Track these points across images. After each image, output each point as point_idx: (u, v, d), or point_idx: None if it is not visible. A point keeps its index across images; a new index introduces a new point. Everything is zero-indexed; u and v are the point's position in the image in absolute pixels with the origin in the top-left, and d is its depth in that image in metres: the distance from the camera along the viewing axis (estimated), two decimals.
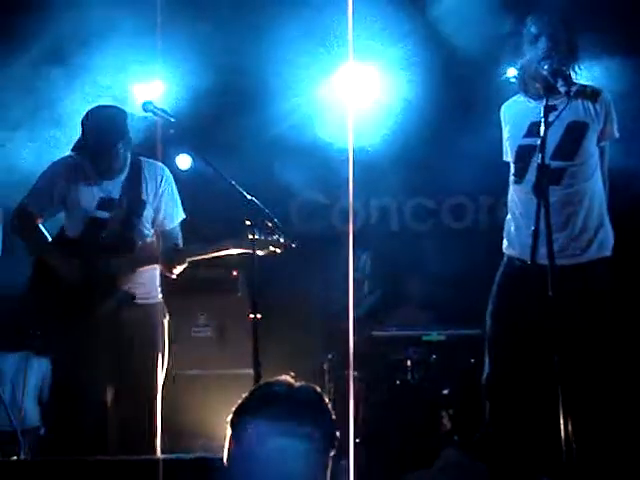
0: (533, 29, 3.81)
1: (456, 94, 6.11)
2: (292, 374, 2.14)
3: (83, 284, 4.09)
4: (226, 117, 5.98)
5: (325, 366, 5.68)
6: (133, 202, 4.16)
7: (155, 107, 3.92)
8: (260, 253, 3.86)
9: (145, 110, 3.94)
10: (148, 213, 4.21)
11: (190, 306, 5.87)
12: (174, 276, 4.22)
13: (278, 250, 3.94)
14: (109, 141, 4.06)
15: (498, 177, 4.78)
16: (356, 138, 5.06)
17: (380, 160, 5.99)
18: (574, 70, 3.78)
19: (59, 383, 4.33)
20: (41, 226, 4.23)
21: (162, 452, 4.23)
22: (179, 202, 4.32)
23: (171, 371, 4.46)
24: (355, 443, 4.75)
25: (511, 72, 6.37)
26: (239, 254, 4.06)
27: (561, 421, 3.09)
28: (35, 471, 3.51)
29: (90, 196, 4.14)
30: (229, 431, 2.10)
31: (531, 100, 3.84)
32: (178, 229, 4.32)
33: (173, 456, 4.08)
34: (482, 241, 6.02)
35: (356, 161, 4.81)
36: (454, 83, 6.02)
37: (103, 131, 4.07)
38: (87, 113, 4.13)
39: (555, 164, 3.56)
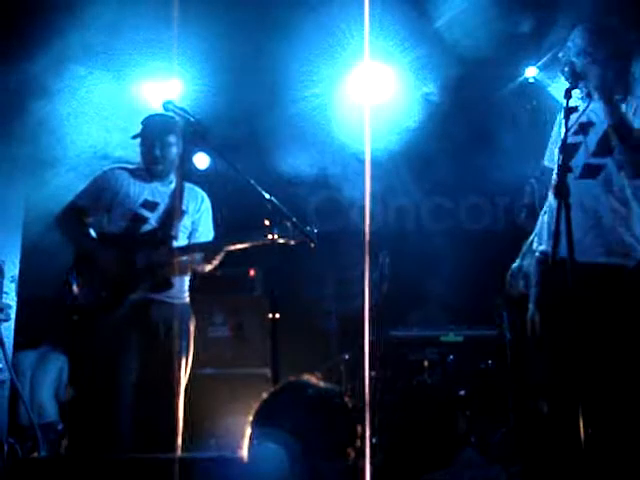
0: (580, 42, 3.71)
1: (473, 94, 6.10)
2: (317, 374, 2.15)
3: (119, 275, 4.19)
4: (244, 116, 5.98)
5: (341, 366, 5.68)
6: (174, 209, 4.34)
7: (175, 106, 3.94)
8: (282, 241, 3.91)
9: (166, 109, 3.97)
10: (186, 223, 4.40)
11: (207, 305, 5.89)
12: (209, 268, 4.37)
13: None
14: (161, 130, 4.30)
15: (514, 178, 4.79)
16: (373, 137, 5.05)
17: (397, 160, 5.99)
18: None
19: (86, 375, 4.34)
20: (86, 224, 4.37)
21: (180, 450, 4.25)
22: (212, 225, 4.53)
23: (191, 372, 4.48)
24: (372, 444, 4.74)
25: (530, 72, 6.40)
26: (259, 248, 4.10)
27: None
28: (53, 468, 3.52)
29: (135, 196, 4.34)
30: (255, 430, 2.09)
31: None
32: None
33: (189, 455, 4.10)
34: (500, 241, 6.01)
35: (373, 160, 4.81)
36: (471, 83, 6.00)
37: (157, 122, 4.33)
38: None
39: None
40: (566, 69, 3.56)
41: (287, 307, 4.13)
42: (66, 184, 4.89)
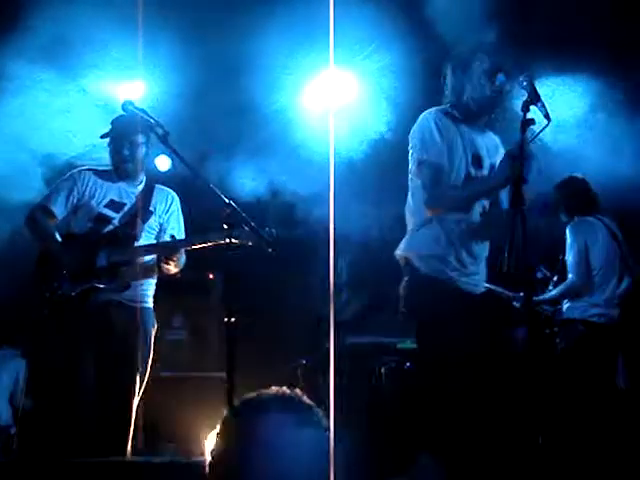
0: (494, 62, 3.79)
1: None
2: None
3: (79, 275, 4.17)
4: (206, 119, 5.95)
5: (298, 371, 5.67)
6: (140, 209, 4.34)
7: (135, 107, 3.92)
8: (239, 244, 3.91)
9: (125, 110, 3.94)
10: (153, 223, 4.40)
11: (165, 308, 5.83)
12: (174, 270, 4.34)
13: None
14: (129, 129, 4.26)
15: None
16: (337, 144, 5.07)
17: (361, 166, 6.00)
18: None
19: (46, 374, 4.31)
20: (53, 225, 4.35)
21: (133, 453, 4.23)
22: (182, 225, 4.52)
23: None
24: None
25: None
26: (218, 251, 4.08)
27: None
28: (5, 472, 3.48)
29: (101, 196, 4.33)
30: (226, 428, 2.06)
31: None
32: None
33: (145, 459, 4.08)
34: None
35: (337, 167, 4.81)
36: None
37: (125, 122, 4.28)
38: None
39: None
40: (525, 83, 3.60)
41: (245, 311, 4.12)
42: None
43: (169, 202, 4.49)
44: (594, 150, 5.50)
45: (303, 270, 5.84)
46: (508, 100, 3.95)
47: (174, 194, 4.55)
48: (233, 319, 3.66)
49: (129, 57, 5.58)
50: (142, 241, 4.33)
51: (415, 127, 3.88)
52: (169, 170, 6.06)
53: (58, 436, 4.02)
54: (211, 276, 5.93)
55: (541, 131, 3.52)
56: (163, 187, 4.54)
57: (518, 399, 3.48)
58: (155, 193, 4.45)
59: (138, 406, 4.33)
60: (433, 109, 3.90)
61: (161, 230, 4.43)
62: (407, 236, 3.90)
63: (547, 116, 3.48)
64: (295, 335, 6.18)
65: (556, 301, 5.52)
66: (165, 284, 5.33)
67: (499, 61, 3.79)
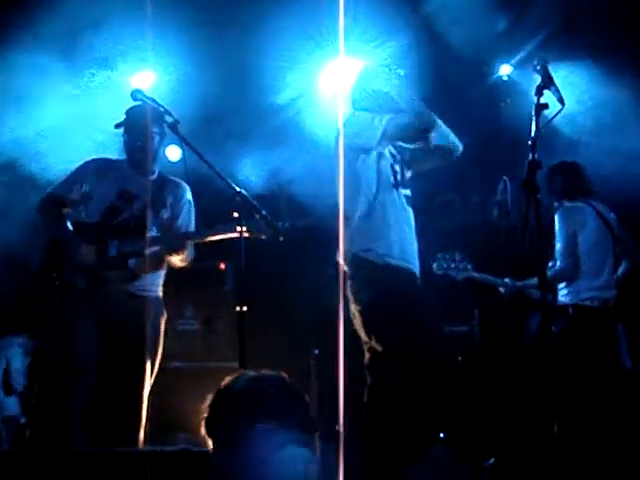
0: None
1: (447, 91, 6.10)
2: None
3: (90, 264, 4.18)
4: (217, 110, 5.95)
5: (311, 361, 5.66)
6: (152, 201, 4.31)
7: (144, 96, 3.91)
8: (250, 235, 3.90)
9: (134, 99, 3.93)
10: (164, 214, 4.37)
11: (177, 299, 5.84)
12: (181, 263, 4.35)
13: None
14: (144, 120, 4.21)
15: (487, 175, 4.78)
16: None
17: None
18: None
19: (50, 362, 4.29)
20: (64, 214, 4.32)
21: (145, 444, 4.23)
22: (193, 218, 4.49)
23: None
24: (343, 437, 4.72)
25: (504, 70, 6.41)
26: (230, 241, 4.08)
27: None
28: (15, 462, 3.48)
29: (114, 186, 4.32)
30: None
31: None
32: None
33: (157, 448, 4.07)
34: (473, 238, 6.04)
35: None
36: (445, 80, 6.01)
37: (140, 112, 4.22)
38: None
39: None
40: (538, 67, 3.57)
41: (257, 301, 4.12)
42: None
43: (181, 194, 4.46)
44: (597, 137, 5.48)
45: (315, 259, 5.82)
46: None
47: (186, 186, 4.51)
48: (245, 308, 3.66)
49: (140, 47, 5.58)
50: (153, 232, 4.31)
51: None
52: (180, 160, 6.05)
53: (66, 427, 4.03)
54: (222, 266, 5.91)
55: (555, 115, 3.50)
56: (176, 179, 4.51)
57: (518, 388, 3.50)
58: (167, 185, 4.43)
59: (150, 396, 4.32)
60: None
61: (172, 222, 4.41)
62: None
63: (561, 100, 3.46)
64: (308, 325, 6.16)
65: (549, 287, 5.48)
66: (177, 274, 5.34)
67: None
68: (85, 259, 4.18)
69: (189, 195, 4.51)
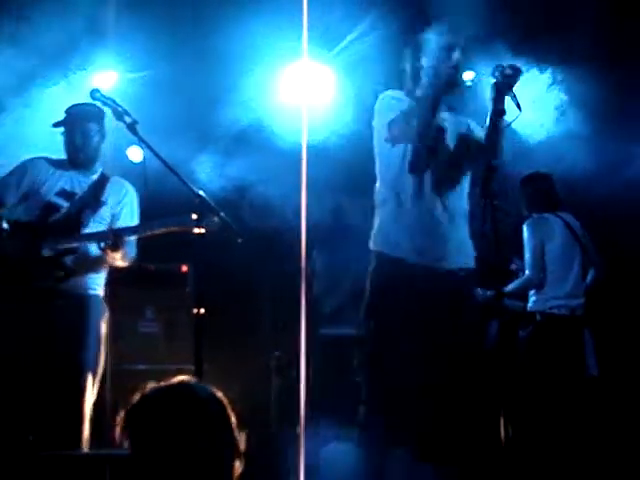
0: (450, 39, 3.80)
1: None
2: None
3: (25, 263, 4.14)
4: (179, 110, 5.91)
5: (271, 364, 5.65)
6: (91, 199, 4.30)
7: (103, 95, 3.87)
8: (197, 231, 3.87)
9: (93, 98, 3.89)
10: (104, 214, 4.33)
11: (138, 301, 5.80)
12: (121, 262, 4.27)
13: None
14: (82, 118, 4.29)
15: None
16: (310, 134, 5.05)
17: (333, 157, 5.97)
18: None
19: None
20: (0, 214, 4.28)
21: (104, 447, 4.18)
22: (137, 218, 4.45)
23: (111, 367, 4.41)
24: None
25: (467, 76, 6.44)
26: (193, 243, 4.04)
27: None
28: None
29: (52, 185, 4.30)
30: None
31: None
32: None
33: (117, 452, 4.03)
34: None
35: (309, 158, 4.80)
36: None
37: (80, 111, 4.33)
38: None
39: None
40: (496, 73, 3.61)
41: (218, 303, 4.09)
42: None
43: (123, 193, 4.44)
44: (566, 145, 5.52)
45: (277, 261, 5.81)
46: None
47: (130, 186, 4.49)
48: (202, 310, 3.64)
49: (101, 47, 5.54)
50: (89, 230, 4.28)
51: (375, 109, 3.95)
52: (142, 161, 6.00)
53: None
54: (185, 268, 5.88)
55: (513, 121, 3.53)
56: (120, 179, 4.50)
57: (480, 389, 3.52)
58: (109, 184, 4.40)
59: (112, 400, 4.26)
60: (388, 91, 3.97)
61: (113, 222, 4.36)
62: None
63: (518, 106, 3.48)
64: (269, 327, 6.15)
65: (521, 295, 5.59)
66: (138, 276, 5.30)
67: (454, 37, 3.79)
68: (19, 257, 4.12)
69: (132, 194, 4.47)
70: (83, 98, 4.39)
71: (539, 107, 5.33)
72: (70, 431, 4.06)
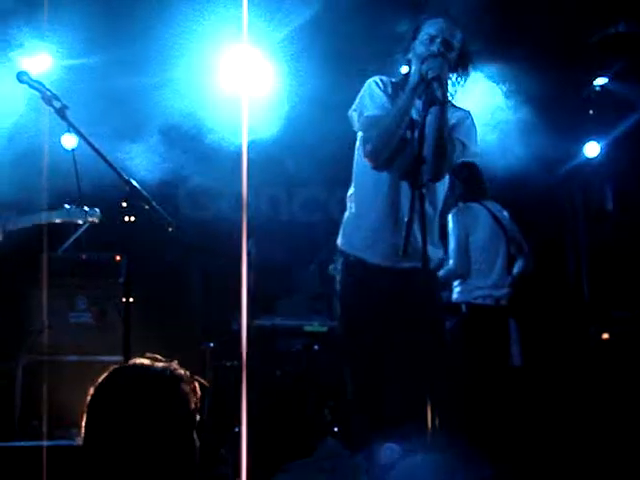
0: (431, 30, 3.74)
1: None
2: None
3: None
4: (115, 96, 5.80)
5: (205, 355, 5.60)
6: None
7: (30, 78, 3.74)
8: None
9: (20, 81, 3.76)
10: None
11: (70, 290, 5.68)
12: None
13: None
14: None
15: None
16: (249, 125, 4.99)
17: (272, 149, 5.93)
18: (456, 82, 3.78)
19: None
20: None
21: (36, 438, 4.11)
22: None
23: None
24: (234, 433, 4.70)
25: (404, 70, 6.44)
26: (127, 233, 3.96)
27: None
28: None
29: None
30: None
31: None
32: None
33: (51, 443, 3.98)
34: None
35: (248, 149, 4.75)
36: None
37: None
38: None
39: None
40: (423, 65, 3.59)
41: (151, 294, 4.03)
42: None
43: None
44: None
45: (212, 252, 5.76)
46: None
47: None
48: (131, 299, 3.58)
49: (34, 30, 5.41)
50: None
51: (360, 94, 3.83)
52: (77, 148, 5.88)
53: None
54: (118, 258, 5.77)
55: (443, 112, 3.50)
56: None
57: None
58: None
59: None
60: (376, 76, 3.87)
61: None
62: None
63: (444, 97, 3.46)
64: (203, 318, 6.10)
65: (446, 286, 5.57)
66: (70, 266, 5.19)
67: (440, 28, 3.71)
68: None
69: None
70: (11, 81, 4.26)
71: (482, 104, 5.39)
72: None
